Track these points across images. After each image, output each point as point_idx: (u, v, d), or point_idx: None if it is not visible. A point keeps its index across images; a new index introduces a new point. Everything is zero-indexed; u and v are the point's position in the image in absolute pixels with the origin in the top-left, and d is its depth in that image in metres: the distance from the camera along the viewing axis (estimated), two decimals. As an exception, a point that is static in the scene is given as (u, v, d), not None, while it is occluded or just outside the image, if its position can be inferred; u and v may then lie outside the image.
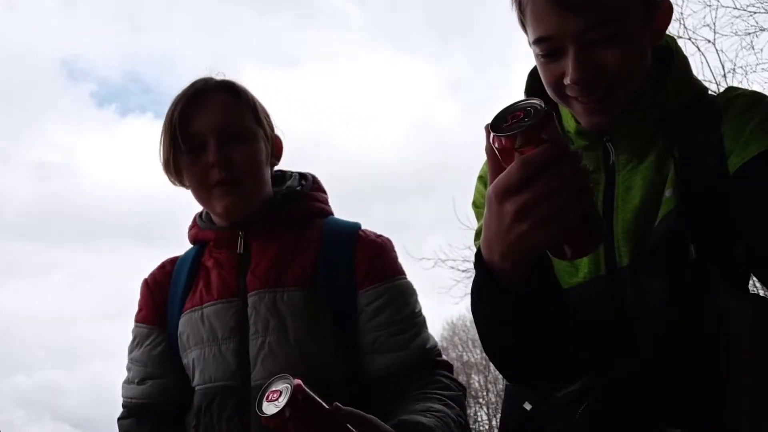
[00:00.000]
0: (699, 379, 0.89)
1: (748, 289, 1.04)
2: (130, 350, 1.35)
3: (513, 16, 1.01)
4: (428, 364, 1.27)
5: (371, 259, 1.29)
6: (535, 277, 0.87)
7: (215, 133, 1.24)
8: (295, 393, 0.89)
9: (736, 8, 7.77)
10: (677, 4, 7.89)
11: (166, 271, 1.38)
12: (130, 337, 1.37)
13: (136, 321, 1.36)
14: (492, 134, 0.76)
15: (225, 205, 1.25)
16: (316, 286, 1.25)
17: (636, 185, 1.00)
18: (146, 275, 1.40)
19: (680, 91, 1.02)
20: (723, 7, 7.84)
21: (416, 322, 1.29)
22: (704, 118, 0.99)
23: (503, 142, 0.75)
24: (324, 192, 1.40)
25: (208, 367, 1.24)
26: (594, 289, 1.00)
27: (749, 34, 7.78)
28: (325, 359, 1.23)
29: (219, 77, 1.32)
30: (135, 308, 1.38)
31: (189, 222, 1.42)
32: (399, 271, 1.32)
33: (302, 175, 1.41)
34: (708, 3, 7.85)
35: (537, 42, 0.96)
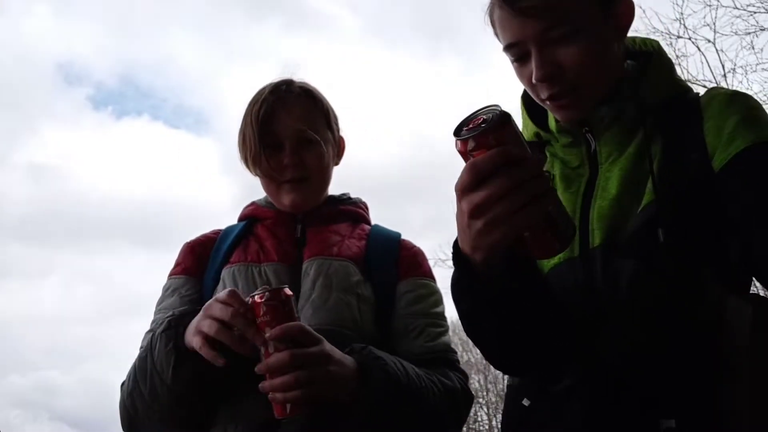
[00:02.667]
0: (694, 373, 0.89)
1: (749, 289, 1.03)
2: (159, 302, 1.38)
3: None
4: (447, 362, 1.34)
5: (413, 258, 1.44)
6: (510, 266, 0.90)
7: (292, 137, 1.38)
8: (283, 290, 1.09)
9: (736, 8, 7.80)
10: (677, 4, 7.92)
11: (210, 236, 1.47)
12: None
13: (172, 275, 1.41)
14: (455, 138, 0.81)
15: (292, 199, 1.40)
16: (363, 266, 1.38)
17: (614, 176, 1.03)
18: (189, 239, 1.47)
19: (661, 87, 1.05)
20: (723, 7, 7.87)
21: (444, 323, 1.40)
22: (686, 115, 1.02)
23: (459, 145, 0.81)
24: (368, 210, 1.57)
25: None
26: (567, 269, 1.02)
27: (749, 33, 7.80)
28: (363, 329, 1.30)
29: (299, 80, 1.45)
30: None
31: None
32: (433, 277, 1.46)
33: (356, 198, 1.60)
34: (708, 3, 7.87)
35: (506, 49, 1.04)
